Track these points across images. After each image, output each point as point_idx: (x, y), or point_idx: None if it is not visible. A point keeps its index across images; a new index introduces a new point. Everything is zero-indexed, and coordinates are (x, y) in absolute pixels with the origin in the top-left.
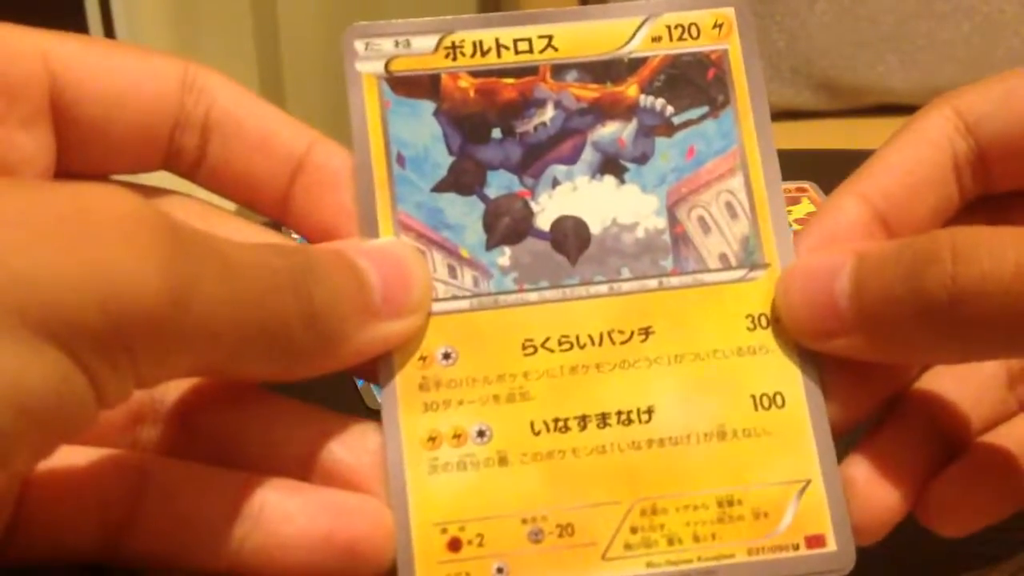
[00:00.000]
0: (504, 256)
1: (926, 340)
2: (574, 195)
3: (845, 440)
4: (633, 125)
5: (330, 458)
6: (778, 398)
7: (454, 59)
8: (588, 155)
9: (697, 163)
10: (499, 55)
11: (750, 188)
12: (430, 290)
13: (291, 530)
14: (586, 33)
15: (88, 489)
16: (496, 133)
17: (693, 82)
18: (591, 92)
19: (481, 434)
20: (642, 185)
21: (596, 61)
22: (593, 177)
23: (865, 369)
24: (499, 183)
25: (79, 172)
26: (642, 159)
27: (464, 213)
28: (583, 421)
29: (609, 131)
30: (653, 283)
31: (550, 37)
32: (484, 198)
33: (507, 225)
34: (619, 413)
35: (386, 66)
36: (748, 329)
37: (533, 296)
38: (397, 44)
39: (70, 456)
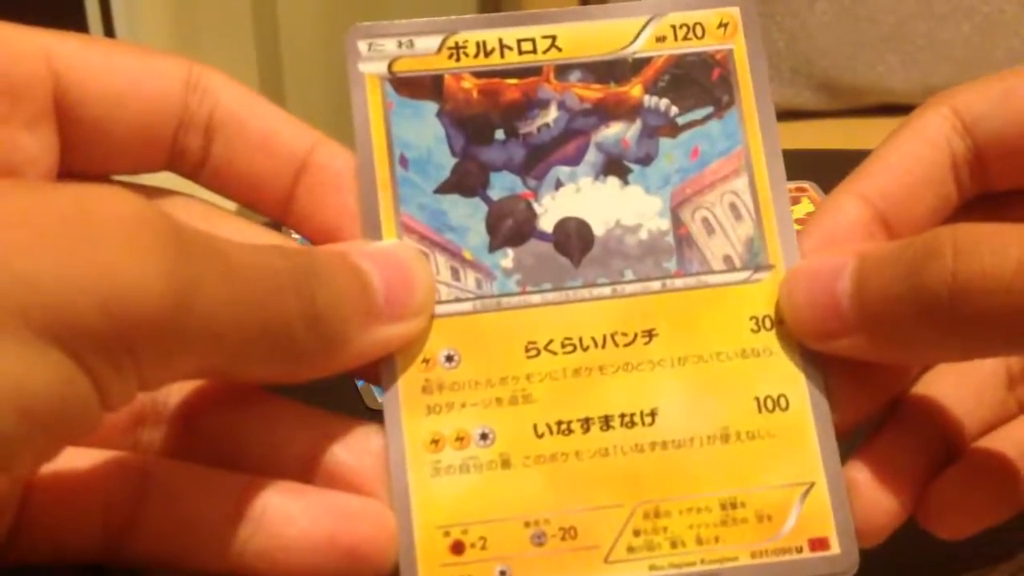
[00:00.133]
0: (507, 258)
1: (927, 338)
2: (577, 196)
3: (845, 443)
4: (637, 126)
5: (333, 460)
6: (782, 400)
7: (457, 60)
8: (592, 156)
9: (701, 164)
10: (502, 55)
11: (755, 189)
12: (433, 293)
13: (294, 532)
14: (590, 33)
15: (90, 491)
16: (499, 134)
17: (698, 82)
18: (595, 92)
19: (484, 437)
20: (646, 186)
21: (600, 61)
22: (596, 178)
23: (868, 371)
24: (502, 184)
25: (82, 172)
26: (646, 160)
27: (467, 215)
28: (586, 424)
29: (613, 132)
30: (657, 285)
31: (554, 37)
32: (487, 200)
33: (510, 227)
34: (622, 415)
35: (389, 67)
36: (752, 331)
37: (536, 298)
38: (400, 45)
39: (72, 458)
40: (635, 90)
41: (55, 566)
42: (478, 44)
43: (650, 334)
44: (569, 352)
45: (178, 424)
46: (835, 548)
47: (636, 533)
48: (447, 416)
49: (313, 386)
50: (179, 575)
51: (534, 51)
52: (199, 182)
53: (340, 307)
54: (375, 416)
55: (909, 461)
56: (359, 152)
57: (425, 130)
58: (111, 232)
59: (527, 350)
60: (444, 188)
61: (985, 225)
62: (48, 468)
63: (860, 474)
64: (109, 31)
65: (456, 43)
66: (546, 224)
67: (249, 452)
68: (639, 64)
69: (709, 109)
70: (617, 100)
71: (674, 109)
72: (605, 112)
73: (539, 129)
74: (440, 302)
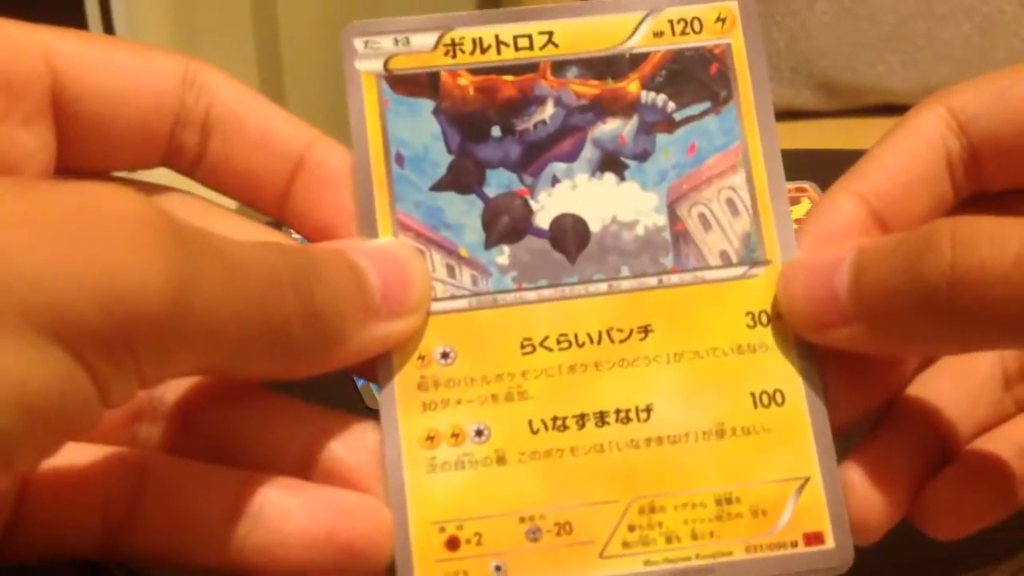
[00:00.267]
0: (503, 255)
1: (925, 329)
2: (574, 193)
3: (840, 442)
4: (634, 122)
5: (329, 457)
6: (778, 396)
7: (454, 57)
8: (588, 152)
9: (698, 160)
10: (499, 52)
11: (752, 184)
12: (429, 290)
13: (291, 528)
14: (587, 29)
15: (89, 487)
16: (495, 131)
17: (695, 77)
18: (592, 89)
19: (479, 433)
20: (642, 182)
21: (597, 57)
22: (593, 175)
23: (865, 367)
24: (498, 182)
25: (79, 168)
26: (643, 156)
27: (463, 212)
28: (581, 420)
29: (610, 128)
30: (653, 281)
31: (550, 33)
32: (483, 197)
33: (506, 224)
34: (618, 412)
35: (385, 64)
36: (748, 327)
37: (532, 295)
38: (396, 42)
39: (71, 453)
40: (632, 86)
41: (54, 564)
42: (474, 41)
43: (646, 330)
44: (565, 349)
45: (176, 420)
46: (830, 542)
47: (631, 528)
48: (443, 413)
49: (313, 386)
50: (177, 571)
51: (531, 47)
52: (195, 179)
53: (338, 304)
54: (374, 416)
55: (905, 461)
56: (355, 150)
57: (421, 128)
58: (112, 230)
59: (523, 347)
60: (440, 185)
61: (984, 218)
62: (46, 464)
63: (855, 473)
64: (109, 30)
65: (452, 40)
66: (542, 221)
67: (247, 448)
68: (636, 60)
69: (707, 104)
70: (614, 96)
71: (671, 105)
72: (602, 108)
73: (535, 126)
74: (436, 299)
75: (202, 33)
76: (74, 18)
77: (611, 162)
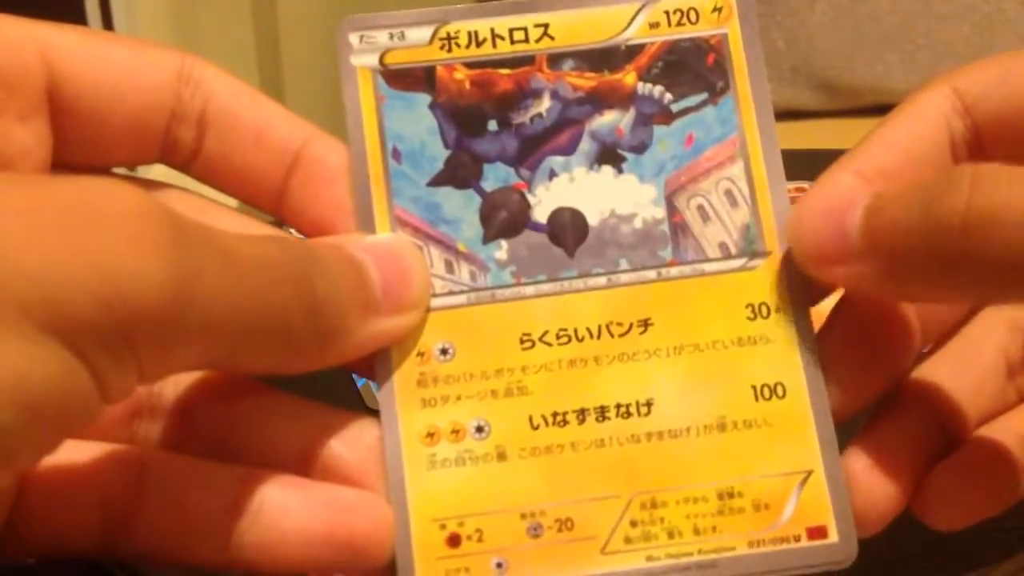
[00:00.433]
0: (501, 250)
1: (932, 271)
2: (571, 186)
3: (841, 431)
4: (631, 114)
5: (329, 453)
6: (779, 388)
7: (449, 50)
8: (585, 145)
9: (696, 151)
10: (495, 45)
11: (751, 175)
12: (428, 286)
13: (291, 525)
14: (583, 21)
15: (88, 484)
16: (492, 125)
17: (692, 68)
18: (588, 81)
19: (479, 429)
20: (640, 175)
21: (593, 49)
22: (591, 168)
23: (867, 357)
24: (496, 176)
25: (75, 164)
26: (640, 148)
27: (461, 207)
28: (582, 415)
29: (607, 120)
30: (652, 274)
31: (546, 26)
32: (481, 191)
33: (504, 218)
34: (618, 406)
35: (381, 59)
36: (748, 319)
37: (530, 289)
38: (392, 36)
39: (70, 451)
40: (629, 77)
41: (54, 563)
42: (470, 34)
43: (646, 324)
44: (564, 343)
45: (175, 417)
46: (833, 536)
47: (633, 524)
48: (442, 409)
49: (313, 385)
50: (177, 568)
51: (526, 40)
52: (192, 175)
53: (339, 299)
54: (375, 415)
55: (908, 450)
56: (351, 146)
57: (418, 122)
58: (111, 225)
59: (522, 342)
60: (437, 180)
61: (1006, 166)
62: (45, 461)
63: (858, 462)
64: (108, 27)
65: (448, 34)
66: (540, 215)
67: (246, 445)
68: (633, 51)
69: (704, 95)
70: (611, 88)
71: (668, 96)
72: (599, 100)
73: (532, 119)
74: (434, 295)
75: (201, 30)
76: (74, 16)
77: (609, 155)
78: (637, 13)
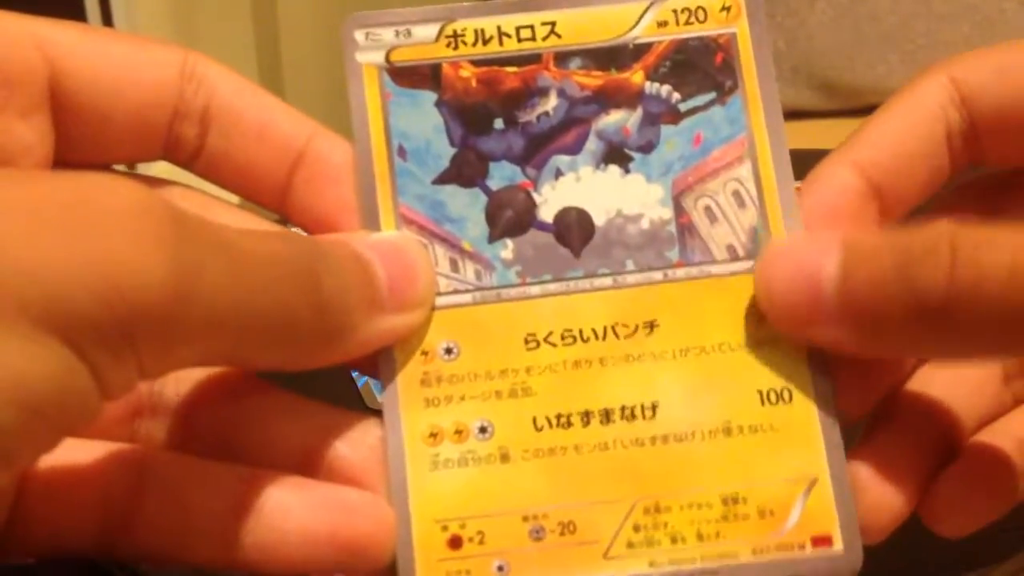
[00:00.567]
0: (507, 249)
1: (916, 336)
2: (577, 186)
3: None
4: (638, 113)
5: (331, 453)
6: (785, 393)
7: (455, 48)
8: (592, 144)
9: (704, 151)
10: (501, 43)
11: (759, 176)
12: (434, 285)
13: (292, 526)
14: (590, 19)
15: (88, 484)
16: (498, 123)
17: (700, 67)
18: (595, 80)
19: (483, 430)
20: (647, 175)
21: (600, 48)
22: (597, 167)
23: (871, 361)
24: (501, 174)
25: (77, 162)
26: (647, 148)
27: (466, 205)
28: (586, 417)
29: (614, 119)
30: (658, 275)
31: (553, 24)
32: (486, 190)
33: (510, 217)
34: (623, 409)
35: (387, 56)
36: (755, 322)
37: (536, 289)
38: (397, 34)
39: (70, 451)
40: (636, 76)
41: (53, 564)
42: (476, 32)
43: (651, 325)
44: (569, 344)
45: (176, 416)
46: (838, 545)
47: (636, 528)
48: (446, 409)
49: (313, 386)
50: (178, 569)
51: (533, 38)
52: (195, 172)
53: (345, 295)
54: (376, 415)
55: (911, 456)
56: (357, 143)
57: (423, 120)
58: (110, 221)
59: (527, 342)
60: (443, 179)
61: (981, 227)
62: (46, 461)
63: (863, 469)
64: (108, 25)
65: (454, 31)
66: (546, 214)
67: (248, 444)
68: (640, 50)
69: (712, 95)
70: (618, 87)
71: (676, 95)
72: (606, 99)
73: (539, 118)
74: (439, 294)
75: (201, 29)
76: (73, 15)
77: (615, 154)
78: (645, 11)
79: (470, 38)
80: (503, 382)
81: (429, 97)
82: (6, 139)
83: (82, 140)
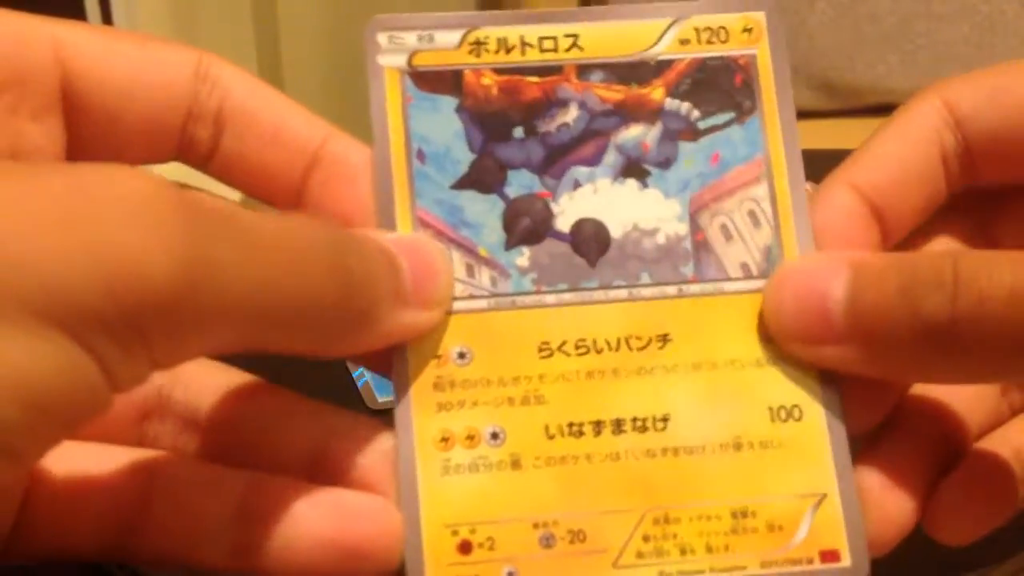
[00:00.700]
0: (523, 257)
1: (920, 360)
2: (595, 198)
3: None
4: (657, 129)
5: (341, 457)
6: (795, 411)
7: (478, 55)
8: (611, 158)
9: (721, 170)
10: (523, 53)
11: (774, 197)
12: (452, 286)
13: (299, 531)
14: (613, 33)
15: (97, 489)
16: (518, 132)
17: (720, 87)
18: (616, 94)
19: (495, 436)
20: (664, 190)
21: (622, 62)
22: (615, 180)
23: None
24: (520, 183)
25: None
26: (665, 164)
27: (484, 212)
28: (598, 427)
29: (633, 134)
30: (673, 290)
31: (576, 36)
32: (504, 197)
33: (527, 226)
34: (634, 420)
35: (409, 60)
36: (767, 340)
37: (551, 298)
38: (420, 38)
39: (79, 455)
40: (657, 92)
41: (54, 565)
42: (499, 40)
43: (664, 339)
44: (583, 354)
45: (185, 418)
46: (846, 561)
47: (645, 539)
48: (458, 414)
49: (314, 386)
50: (183, 573)
51: (555, 49)
52: (208, 173)
53: (374, 281)
54: (376, 416)
55: (917, 466)
56: (376, 145)
57: (444, 125)
58: (112, 209)
59: (540, 350)
60: (461, 184)
61: (983, 252)
62: (54, 466)
63: (871, 480)
64: (107, 24)
65: (477, 38)
66: (563, 224)
67: (257, 447)
68: (662, 66)
69: (731, 114)
70: (638, 102)
71: (695, 113)
72: (626, 114)
73: (558, 128)
74: (455, 298)
75: (201, 30)
76: (73, 15)
77: (634, 168)
78: (668, 29)
79: (493, 46)
80: (516, 389)
81: (450, 102)
82: (18, 140)
83: (94, 141)
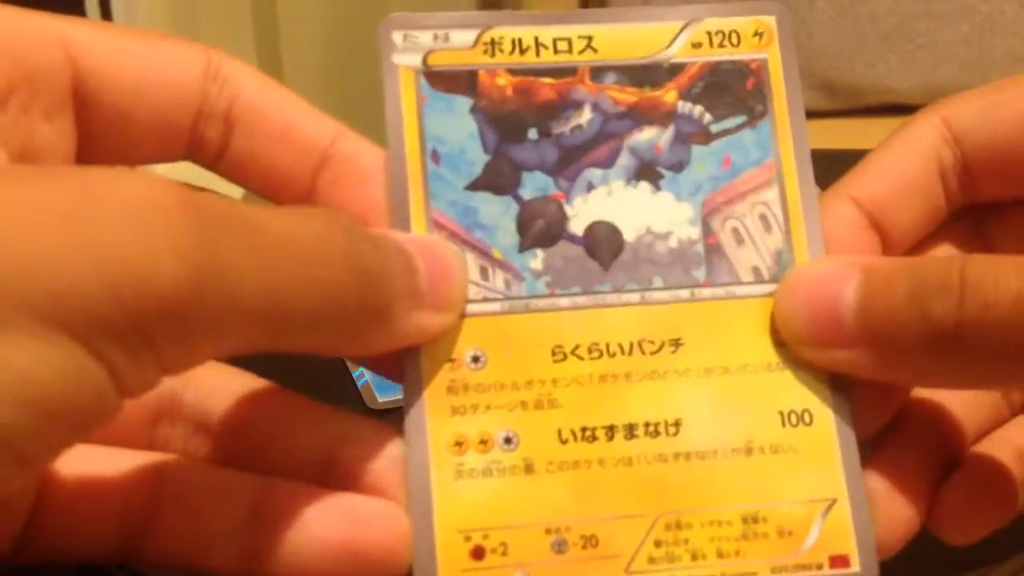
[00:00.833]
0: (537, 259)
1: (929, 364)
2: (609, 200)
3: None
4: (670, 131)
5: (349, 461)
6: (806, 415)
7: (492, 56)
8: (624, 160)
9: (733, 173)
10: (538, 54)
11: (785, 201)
12: (466, 289)
13: (307, 536)
14: (627, 36)
15: (107, 493)
16: (532, 133)
17: (732, 91)
18: (629, 96)
19: (508, 441)
20: (677, 193)
21: (636, 64)
22: (628, 183)
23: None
24: (534, 185)
25: (99, 162)
26: (678, 167)
27: (498, 213)
28: (610, 431)
29: (646, 136)
30: (685, 294)
31: (590, 38)
32: (518, 199)
33: (541, 228)
34: (647, 424)
35: (424, 59)
36: (778, 344)
37: (564, 301)
38: (436, 37)
39: (89, 459)
40: (669, 95)
41: (54, 566)
42: (514, 41)
43: (677, 343)
44: (596, 358)
45: (196, 422)
46: (855, 566)
47: (657, 544)
48: (471, 418)
49: (314, 386)
50: (189, 574)
51: (570, 51)
52: (218, 172)
53: (390, 280)
54: (376, 417)
55: (921, 469)
56: (391, 145)
57: (458, 125)
58: (117, 213)
59: (554, 354)
60: (476, 185)
61: (991, 257)
62: (65, 468)
63: (878, 483)
64: (107, 20)
65: (492, 39)
66: (577, 227)
67: (268, 450)
68: (675, 69)
69: (742, 118)
70: (651, 104)
71: (708, 116)
72: (639, 116)
73: (572, 130)
74: (468, 301)
75: (201, 29)
76: (73, 14)
77: (647, 171)
78: (680, 32)
79: (507, 46)
80: (529, 393)
81: (465, 103)
82: (29, 139)
83: (104, 140)
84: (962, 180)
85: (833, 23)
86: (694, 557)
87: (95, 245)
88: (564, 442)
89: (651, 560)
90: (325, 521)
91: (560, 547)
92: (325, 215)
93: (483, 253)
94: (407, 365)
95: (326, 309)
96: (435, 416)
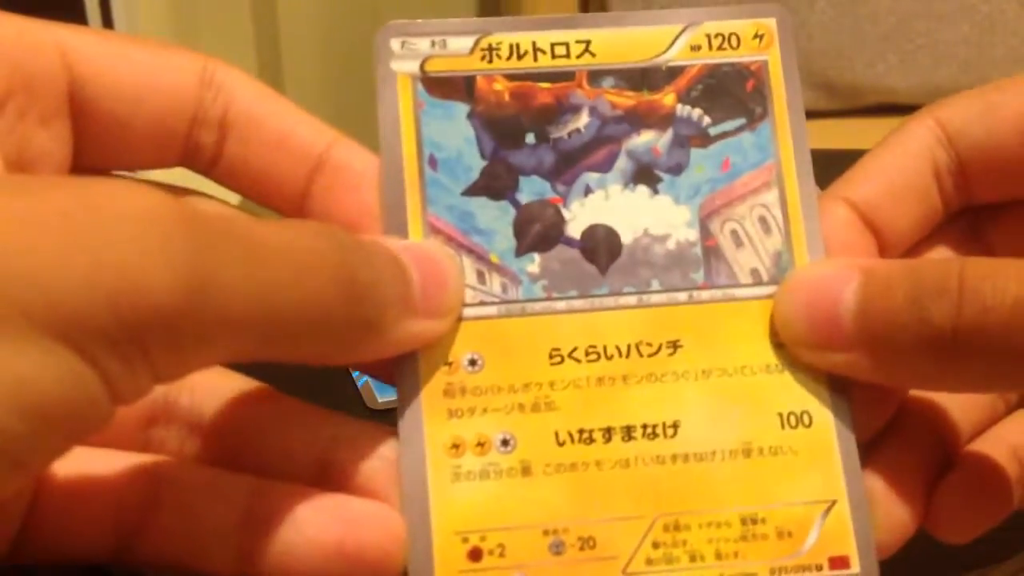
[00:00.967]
0: (534, 263)
1: (927, 367)
2: (606, 204)
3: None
4: (669, 135)
5: (344, 463)
6: (805, 417)
7: (490, 61)
8: (622, 163)
9: (732, 176)
10: (536, 59)
11: (785, 203)
12: (462, 294)
13: (302, 538)
14: (625, 39)
15: (102, 494)
16: (530, 138)
17: (731, 93)
18: (627, 99)
19: (505, 443)
20: (675, 196)
21: (634, 68)
22: (626, 186)
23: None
24: (531, 189)
25: (95, 168)
26: (676, 169)
27: (495, 218)
28: (608, 433)
29: (644, 140)
30: (683, 296)
31: (588, 42)
32: (516, 203)
33: (538, 232)
34: (644, 426)
35: (421, 66)
36: (777, 346)
37: (561, 305)
38: (433, 44)
39: (84, 460)
40: (668, 98)
41: (54, 566)
42: (511, 46)
43: (675, 345)
44: (593, 360)
45: (190, 424)
46: (855, 567)
47: (655, 545)
48: (468, 421)
49: (314, 387)
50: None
51: (568, 55)
52: (213, 179)
53: (381, 289)
54: (375, 416)
55: (918, 468)
56: (387, 151)
57: (455, 131)
58: (114, 225)
59: (551, 357)
60: (472, 190)
61: (990, 260)
62: (60, 470)
63: (876, 484)
64: (108, 24)
65: (489, 44)
66: (574, 230)
67: (262, 453)
68: (673, 72)
69: (742, 120)
70: (649, 108)
71: (706, 119)
72: (637, 120)
73: (570, 134)
74: (465, 305)
75: (201, 31)
76: (74, 17)
77: (645, 174)
78: (679, 35)
79: (505, 52)
80: (526, 396)
81: (462, 109)
82: (26, 146)
83: (101, 146)
84: (957, 181)
85: (833, 23)
86: (692, 558)
87: (92, 255)
88: (561, 444)
89: (649, 561)
90: (318, 522)
91: (558, 548)
92: (318, 228)
93: (480, 257)
94: (402, 370)
95: (314, 321)
96: (432, 419)
